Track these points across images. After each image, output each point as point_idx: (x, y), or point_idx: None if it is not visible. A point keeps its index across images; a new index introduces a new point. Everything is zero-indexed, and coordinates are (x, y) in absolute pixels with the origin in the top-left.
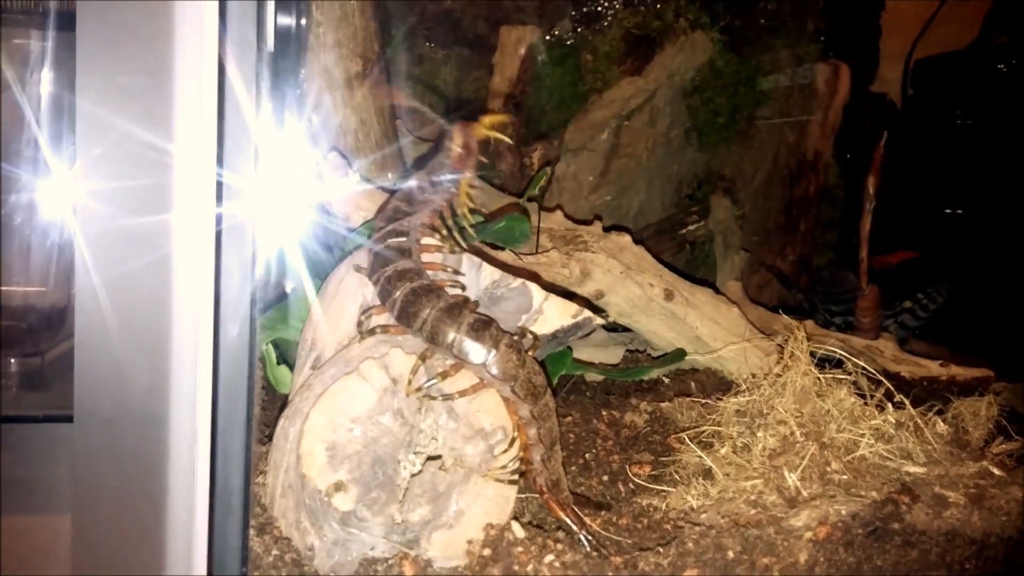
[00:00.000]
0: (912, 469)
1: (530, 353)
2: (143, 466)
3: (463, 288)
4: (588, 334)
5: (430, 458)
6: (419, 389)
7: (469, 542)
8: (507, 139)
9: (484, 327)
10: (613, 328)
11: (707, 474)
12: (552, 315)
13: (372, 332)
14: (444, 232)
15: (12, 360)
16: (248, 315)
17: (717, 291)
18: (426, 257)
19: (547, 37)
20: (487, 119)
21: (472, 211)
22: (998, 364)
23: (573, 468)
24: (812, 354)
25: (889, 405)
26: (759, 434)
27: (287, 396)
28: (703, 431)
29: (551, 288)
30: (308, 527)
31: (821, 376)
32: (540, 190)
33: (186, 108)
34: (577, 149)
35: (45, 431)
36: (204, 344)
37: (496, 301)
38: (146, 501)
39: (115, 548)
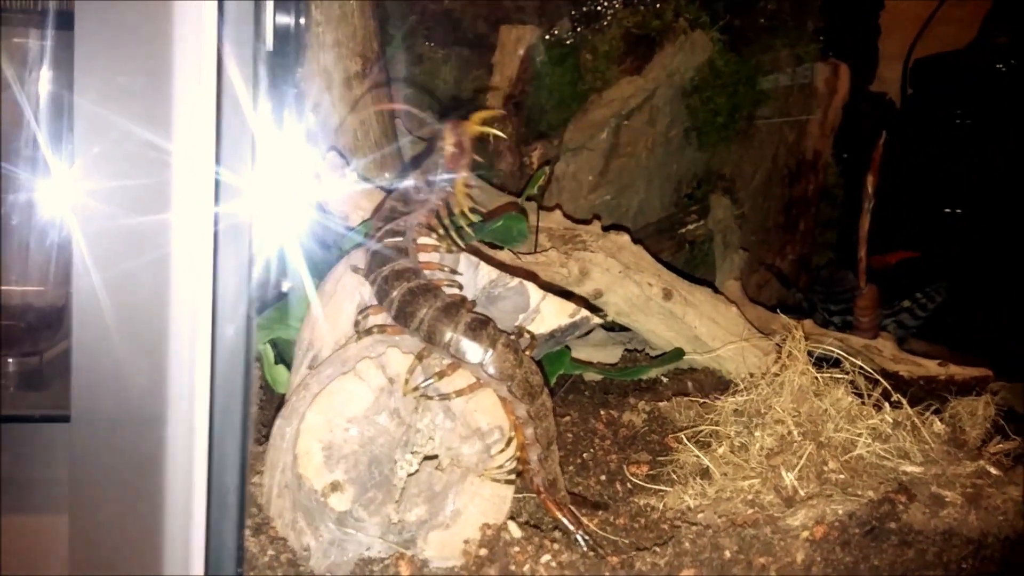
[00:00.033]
0: (909, 468)
1: (527, 353)
2: (140, 466)
3: (460, 287)
4: (587, 333)
5: (427, 458)
6: (416, 389)
7: (465, 542)
8: (499, 133)
9: (481, 326)
10: (612, 327)
11: (705, 474)
12: (549, 314)
13: (369, 332)
14: (441, 231)
15: (10, 360)
16: (245, 314)
17: (716, 290)
18: (423, 257)
19: (547, 36)
20: (477, 115)
21: (470, 210)
22: (997, 363)
23: (571, 468)
24: (810, 353)
25: (886, 404)
26: (757, 434)
27: (285, 396)
28: (701, 431)
29: (549, 287)
30: (304, 527)
31: (819, 375)
32: (539, 189)
33: (185, 108)
34: (577, 148)
35: (42, 431)
36: (202, 344)
37: (493, 300)
38: (143, 501)
39: (112, 548)
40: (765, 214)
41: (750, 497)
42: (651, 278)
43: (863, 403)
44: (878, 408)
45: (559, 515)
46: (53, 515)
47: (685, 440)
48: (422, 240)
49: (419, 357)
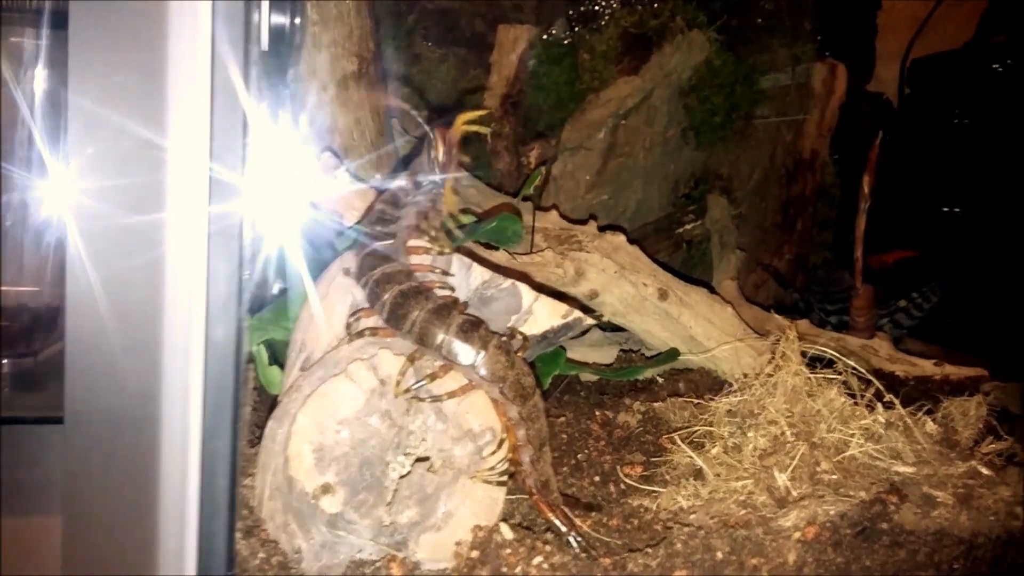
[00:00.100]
0: (901, 469)
1: (519, 354)
2: (134, 467)
3: (452, 289)
4: (582, 334)
5: (418, 460)
6: (407, 391)
7: (457, 544)
8: (482, 129)
9: (473, 328)
10: (608, 328)
11: (698, 474)
12: (542, 316)
13: (361, 334)
14: (431, 234)
15: (4, 361)
16: (236, 316)
17: (712, 290)
18: (414, 259)
19: (544, 36)
20: (462, 118)
21: (464, 211)
22: (994, 363)
23: (565, 469)
24: (803, 354)
25: (879, 405)
26: (750, 434)
27: (278, 397)
28: (695, 431)
29: (543, 288)
30: (296, 530)
31: (812, 376)
32: (535, 189)
33: (179, 107)
34: (574, 148)
35: (35, 432)
36: (196, 345)
37: (486, 302)
38: (137, 503)
39: (106, 550)
40: (762, 214)
41: (743, 498)
42: (647, 278)
43: (856, 403)
44: (871, 408)
45: (551, 516)
46: (46, 517)
47: (679, 441)
48: (413, 242)
49: (411, 359)
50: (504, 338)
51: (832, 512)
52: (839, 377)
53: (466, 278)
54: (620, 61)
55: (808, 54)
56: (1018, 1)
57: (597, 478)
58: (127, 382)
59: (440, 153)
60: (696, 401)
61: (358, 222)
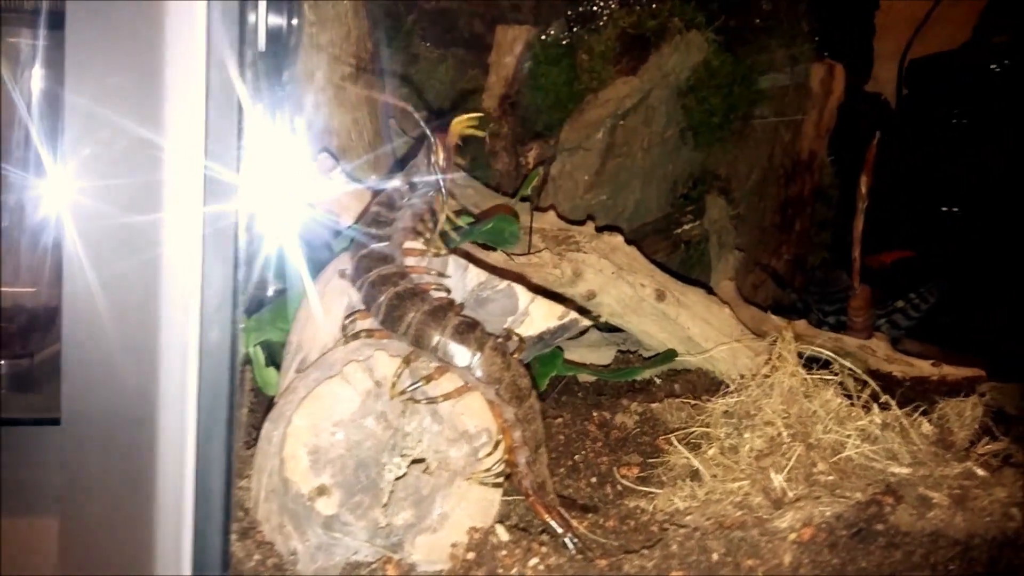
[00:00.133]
0: (897, 470)
1: (515, 355)
2: (132, 468)
3: (448, 291)
4: (579, 335)
5: (414, 461)
6: (403, 392)
7: (453, 546)
8: (478, 133)
9: (469, 330)
10: (606, 328)
11: (695, 475)
12: (538, 317)
13: (357, 336)
14: (427, 236)
15: (1, 362)
16: (231, 317)
17: (710, 291)
18: (410, 261)
19: (543, 37)
20: (457, 121)
21: (460, 212)
22: (992, 363)
23: (562, 470)
24: (800, 355)
25: (875, 406)
26: (747, 435)
27: (274, 399)
28: (692, 432)
29: (539, 289)
30: (291, 531)
31: (808, 377)
32: (533, 190)
33: (176, 108)
34: (572, 148)
35: (33, 433)
36: (192, 346)
37: (482, 303)
38: (134, 504)
39: (102, 550)
40: (761, 214)
41: (739, 499)
42: (644, 279)
43: (852, 404)
44: (867, 409)
45: (547, 518)
46: (43, 517)
47: (676, 442)
48: (409, 244)
49: (406, 361)
50: (500, 340)
51: (828, 513)
52: (835, 378)
53: (462, 280)
54: (618, 62)
55: (806, 54)
56: (1016, 2)
57: (594, 479)
58: (124, 383)
59: (440, 157)
60: (693, 402)
61: (354, 223)
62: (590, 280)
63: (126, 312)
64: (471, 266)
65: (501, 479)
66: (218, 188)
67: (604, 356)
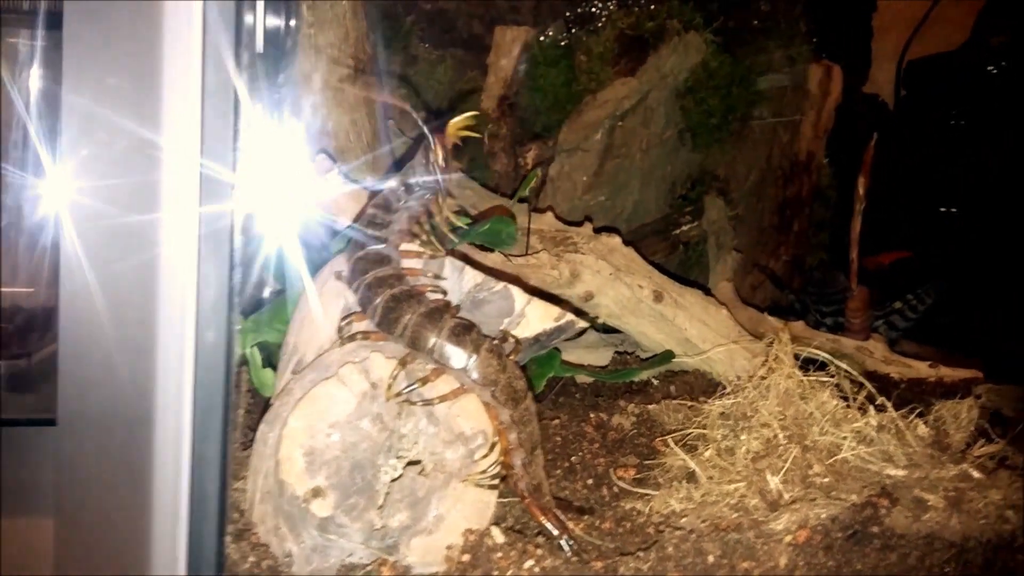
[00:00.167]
0: (893, 472)
1: (512, 357)
2: (127, 469)
3: (444, 293)
4: (577, 336)
5: (410, 463)
6: (399, 394)
7: (448, 548)
8: (472, 134)
9: (465, 332)
10: (604, 329)
11: (691, 477)
12: (534, 318)
13: (353, 338)
14: (424, 237)
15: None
16: (227, 318)
17: (708, 292)
18: (406, 263)
19: (541, 38)
20: (453, 123)
21: (458, 212)
22: (990, 364)
23: (558, 472)
24: (796, 356)
25: (871, 408)
26: (743, 437)
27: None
28: (689, 434)
29: (536, 291)
30: (286, 533)
31: (805, 379)
32: (531, 191)
33: (174, 110)
34: (571, 149)
35: (29, 434)
36: (189, 347)
37: (478, 305)
38: (130, 505)
39: (99, 552)
40: (759, 215)
41: (735, 501)
42: (642, 280)
43: (848, 406)
44: (863, 411)
45: (543, 520)
46: (39, 518)
47: (672, 444)
48: (405, 246)
49: (402, 362)
50: (496, 341)
51: (824, 515)
52: (832, 380)
53: (458, 281)
54: (617, 63)
55: (804, 56)
56: (1014, 3)
57: (590, 481)
58: (120, 384)
59: (439, 156)
60: (690, 403)
61: (351, 225)
62: (588, 281)
63: (123, 313)
64: (467, 268)
65: (497, 481)
66: (215, 189)
67: (602, 357)
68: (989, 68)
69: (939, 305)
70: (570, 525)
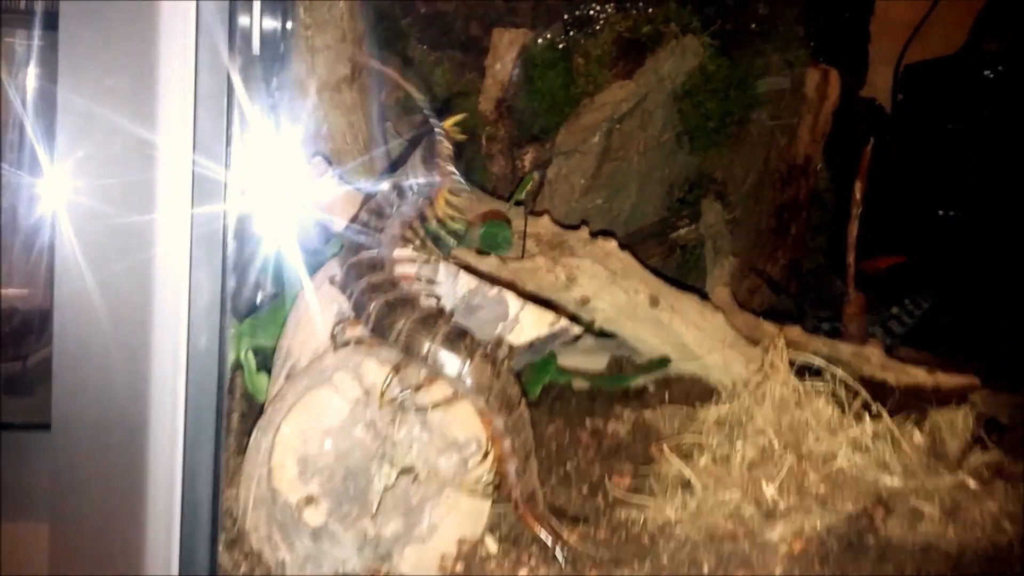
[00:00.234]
0: (888, 481)
1: (506, 363)
2: (122, 474)
3: (438, 298)
4: (574, 341)
5: (403, 470)
6: (392, 401)
7: (442, 557)
8: (462, 137)
9: (459, 338)
10: (601, 334)
11: (687, 485)
12: (528, 324)
13: (346, 344)
14: (417, 242)
15: None
16: (219, 322)
17: (705, 297)
18: (400, 268)
19: (539, 40)
20: (447, 124)
21: (451, 218)
22: (987, 369)
23: (553, 479)
24: (791, 362)
25: (867, 415)
26: (738, 444)
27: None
28: (684, 441)
29: (532, 296)
30: (279, 542)
31: (800, 386)
32: (528, 194)
33: (170, 112)
34: (569, 152)
35: (23, 439)
36: (182, 351)
37: (472, 310)
38: (123, 510)
39: (92, 556)
40: (756, 219)
41: (730, 510)
42: (638, 284)
43: (844, 414)
44: (859, 419)
45: (537, 529)
46: (35, 522)
47: (667, 451)
48: (399, 251)
49: (396, 369)
50: (490, 348)
51: (819, 525)
52: (827, 385)
53: (452, 287)
54: (614, 65)
55: (801, 59)
56: (1010, 8)
57: (585, 489)
58: (115, 388)
59: (447, 149)
60: (686, 409)
61: (345, 232)
62: (584, 285)
63: (117, 316)
64: (461, 273)
65: (491, 489)
66: (208, 191)
67: (598, 362)
68: (986, 72)
69: (936, 310)
70: (565, 534)
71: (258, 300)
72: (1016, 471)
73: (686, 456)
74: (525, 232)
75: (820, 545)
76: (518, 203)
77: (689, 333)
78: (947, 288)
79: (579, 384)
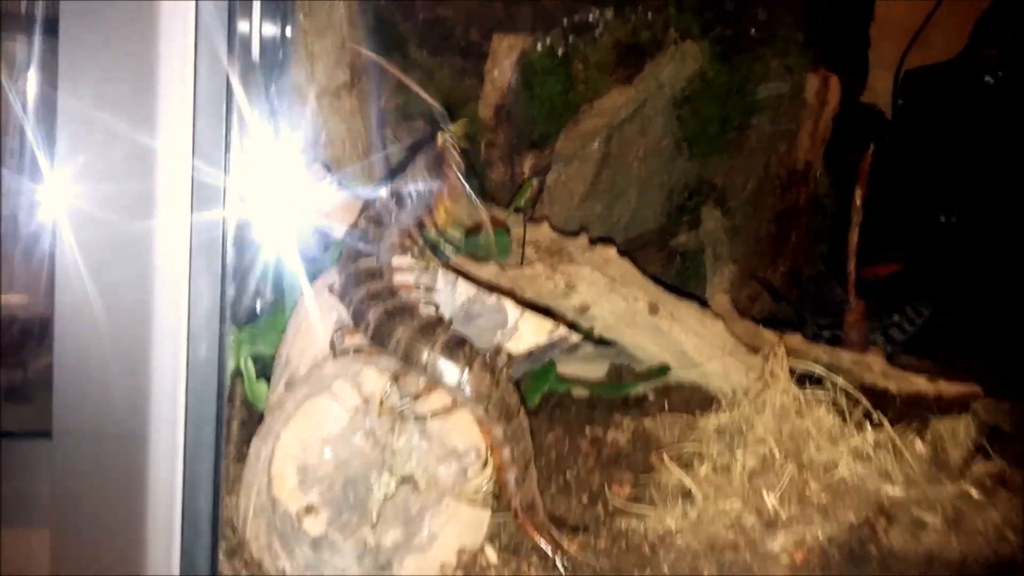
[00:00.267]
0: (890, 490)
1: (505, 372)
2: (123, 482)
3: (437, 306)
4: (573, 349)
5: (403, 479)
6: (391, 409)
7: (442, 566)
8: (466, 144)
9: (458, 346)
10: (601, 341)
11: (687, 494)
12: (527, 332)
13: (345, 353)
14: (416, 250)
15: None
16: (219, 330)
17: (705, 304)
18: (399, 276)
19: (539, 46)
20: (450, 129)
21: (450, 226)
22: (988, 376)
23: (552, 488)
24: (792, 370)
25: (868, 424)
26: (739, 453)
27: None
28: (684, 450)
29: (532, 304)
30: (279, 551)
31: (800, 395)
32: (528, 201)
33: (170, 118)
34: (568, 158)
35: (26, 447)
36: (182, 359)
37: (471, 318)
38: (125, 518)
39: (92, 565)
40: (756, 225)
41: (731, 520)
42: (637, 291)
43: (845, 422)
44: (860, 428)
45: (537, 538)
46: (36, 530)
47: (667, 460)
48: (397, 260)
49: (395, 377)
50: (489, 356)
51: (821, 535)
52: (828, 394)
53: (451, 295)
54: (614, 72)
55: (801, 65)
56: (1009, 13)
57: (585, 498)
58: (116, 396)
59: (454, 154)
60: (686, 418)
61: (345, 235)
62: (584, 292)
63: (117, 324)
64: (460, 281)
65: (490, 498)
66: (208, 197)
67: (597, 370)
68: (986, 78)
69: (937, 315)
70: (565, 543)
71: (257, 308)
72: (1019, 480)
73: (686, 465)
74: (524, 239)
75: (822, 555)
76: (517, 210)
77: (689, 341)
78: (948, 293)
79: (578, 392)
